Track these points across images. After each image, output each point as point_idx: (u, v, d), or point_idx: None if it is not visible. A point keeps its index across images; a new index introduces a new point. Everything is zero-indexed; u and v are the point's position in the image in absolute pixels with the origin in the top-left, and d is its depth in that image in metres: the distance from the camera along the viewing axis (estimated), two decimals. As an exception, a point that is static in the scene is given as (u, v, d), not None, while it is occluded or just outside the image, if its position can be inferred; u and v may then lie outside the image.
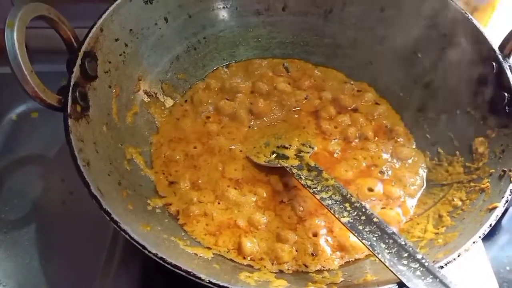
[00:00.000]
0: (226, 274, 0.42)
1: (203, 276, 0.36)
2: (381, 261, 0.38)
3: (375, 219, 0.41)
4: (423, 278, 0.36)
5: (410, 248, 0.38)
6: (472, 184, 0.47)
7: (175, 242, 0.44)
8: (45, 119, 0.63)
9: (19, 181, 0.59)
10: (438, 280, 0.36)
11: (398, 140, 0.56)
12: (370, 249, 0.39)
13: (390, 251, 0.39)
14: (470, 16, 0.51)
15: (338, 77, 0.62)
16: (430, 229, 0.46)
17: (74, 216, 0.55)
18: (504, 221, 0.60)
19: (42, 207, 0.56)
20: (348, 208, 0.43)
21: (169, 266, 0.36)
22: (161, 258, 0.36)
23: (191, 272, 0.36)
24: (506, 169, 0.44)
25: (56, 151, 0.61)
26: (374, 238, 0.40)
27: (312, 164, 0.50)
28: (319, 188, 0.46)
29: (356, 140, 0.56)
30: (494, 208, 0.41)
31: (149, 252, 0.37)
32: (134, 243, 0.37)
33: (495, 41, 0.50)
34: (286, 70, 0.62)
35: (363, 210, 0.43)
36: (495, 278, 0.52)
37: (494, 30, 0.65)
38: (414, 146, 0.56)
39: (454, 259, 0.38)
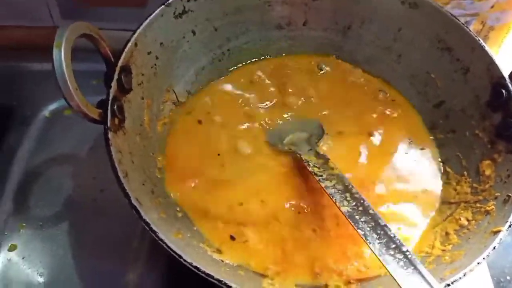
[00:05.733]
0: (251, 282, 0.46)
1: (233, 286, 0.40)
2: (371, 250, 0.43)
3: (371, 211, 0.46)
4: (405, 268, 0.41)
5: (398, 241, 0.43)
6: (478, 205, 0.50)
7: (203, 248, 0.48)
8: (77, 117, 0.65)
9: (52, 178, 0.62)
10: (417, 271, 0.41)
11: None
12: (363, 238, 0.44)
13: (381, 241, 0.43)
14: (483, 44, 0.54)
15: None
16: (437, 245, 0.50)
17: (104, 213, 0.59)
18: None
19: (75, 203, 0.60)
20: (348, 198, 0.47)
21: (202, 275, 0.40)
22: (196, 267, 0.40)
23: (222, 281, 0.40)
24: (510, 194, 0.47)
25: (87, 149, 0.64)
26: (368, 229, 0.45)
27: (320, 152, 0.54)
28: (324, 176, 0.50)
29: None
30: (498, 231, 0.44)
31: (185, 261, 0.40)
32: (172, 252, 0.41)
33: (507, 67, 0.53)
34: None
35: (361, 201, 0.47)
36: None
37: (508, 51, 0.68)
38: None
39: (460, 278, 0.41)
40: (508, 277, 0.60)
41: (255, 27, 0.64)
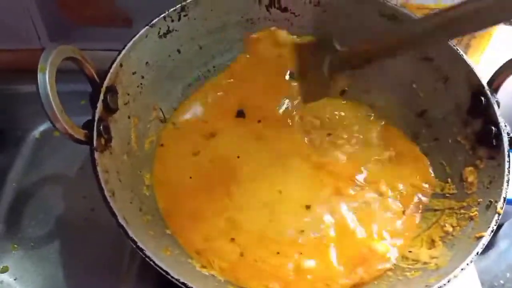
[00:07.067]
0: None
1: (220, 300, 0.40)
2: None
3: None
4: None
5: None
6: (462, 211, 0.51)
7: (192, 264, 0.49)
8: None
9: (43, 198, 0.63)
10: None
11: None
12: None
13: None
14: (462, 53, 0.55)
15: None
16: (423, 252, 0.50)
17: (95, 232, 0.59)
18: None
19: (66, 223, 0.61)
20: None
21: (190, 291, 0.41)
22: (183, 283, 0.41)
23: (210, 296, 0.41)
24: (492, 200, 0.48)
25: (77, 168, 0.65)
26: None
27: None
28: None
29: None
30: (481, 237, 0.45)
31: (172, 277, 0.41)
32: (159, 269, 0.41)
33: (486, 74, 0.54)
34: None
35: None
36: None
37: (490, 57, 0.69)
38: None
39: (445, 284, 0.42)
40: (501, 281, 0.61)
41: (239, 44, 0.65)
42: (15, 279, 0.56)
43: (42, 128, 0.69)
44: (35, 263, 0.57)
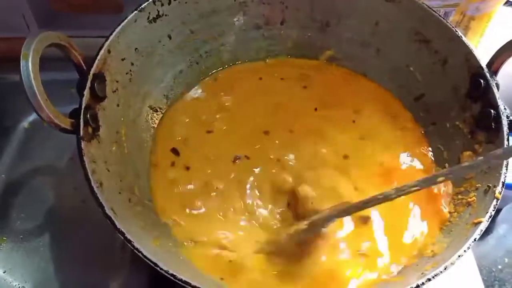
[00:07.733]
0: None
1: (211, 292, 0.39)
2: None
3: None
4: None
5: None
6: (460, 196, 0.50)
7: (183, 255, 0.47)
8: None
9: (33, 190, 0.62)
10: None
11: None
12: None
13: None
14: (461, 34, 0.54)
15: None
16: (420, 239, 0.49)
17: (86, 224, 0.58)
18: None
19: (56, 215, 0.60)
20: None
21: (179, 282, 0.40)
22: (172, 275, 0.39)
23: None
24: (491, 185, 0.46)
25: (68, 159, 0.64)
26: None
27: None
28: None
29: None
30: (479, 222, 0.44)
31: (161, 269, 0.40)
32: (148, 261, 0.40)
33: (486, 56, 0.52)
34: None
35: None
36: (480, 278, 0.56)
37: (490, 40, 0.68)
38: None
39: (441, 271, 0.40)
40: (499, 267, 0.60)
41: (232, 28, 0.63)
42: (4, 272, 0.55)
43: (31, 118, 0.67)
44: (25, 255, 0.56)
